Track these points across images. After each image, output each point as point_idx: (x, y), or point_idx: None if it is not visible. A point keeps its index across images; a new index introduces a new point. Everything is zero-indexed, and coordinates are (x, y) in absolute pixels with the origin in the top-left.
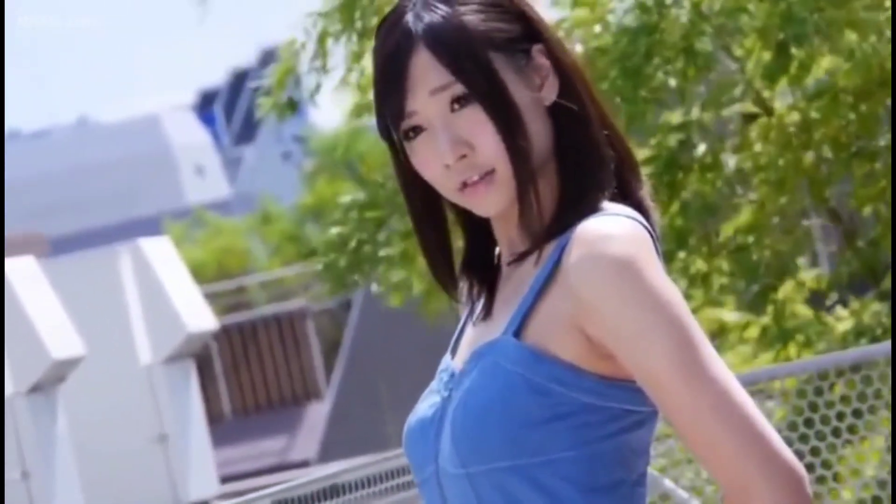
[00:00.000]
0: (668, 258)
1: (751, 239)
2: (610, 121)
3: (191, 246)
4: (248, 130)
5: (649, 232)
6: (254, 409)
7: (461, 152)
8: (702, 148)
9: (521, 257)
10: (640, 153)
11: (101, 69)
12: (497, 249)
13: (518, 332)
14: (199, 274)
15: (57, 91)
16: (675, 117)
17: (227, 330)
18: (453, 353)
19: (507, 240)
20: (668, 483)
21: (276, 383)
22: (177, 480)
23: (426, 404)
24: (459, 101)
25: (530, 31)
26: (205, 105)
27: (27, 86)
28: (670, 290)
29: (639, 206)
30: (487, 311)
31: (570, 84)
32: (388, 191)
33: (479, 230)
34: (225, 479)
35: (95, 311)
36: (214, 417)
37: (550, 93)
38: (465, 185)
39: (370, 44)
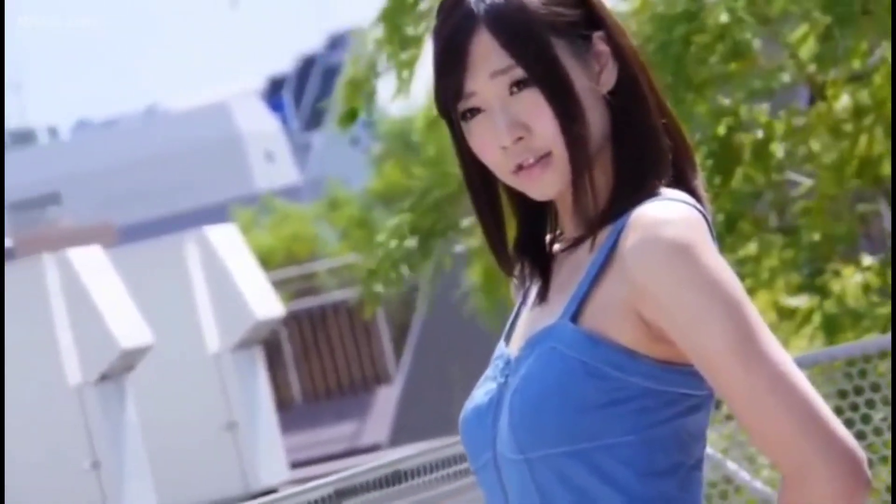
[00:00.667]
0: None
1: (804, 222)
2: (667, 109)
3: (259, 232)
4: (316, 116)
5: (704, 217)
6: (324, 394)
7: (518, 135)
8: (751, 134)
9: (575, 243)
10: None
11: (170, 57)
12: (549, 235)
13: (575, 318)
14: (268, 260)
15: (126, 80)
16: (724, 103)
17: (296, 316)
18: (507, 339)
19: (564, 225)
20: (730, 465)
21: (345, 368)
22: (246, 467)
23: (482, 391)
24: (518, 85)
25: (591, 17)
26: (273, 91)
27: (97, 75)
28: (726, 274)
29: (693, 194)
30: (542, 297)
31: (629, 71)
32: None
33: (532, 214)
34: (296, 465)
35: (163, 299)
36: (285, 403)
37: (609, 79)
38: (520, 167)
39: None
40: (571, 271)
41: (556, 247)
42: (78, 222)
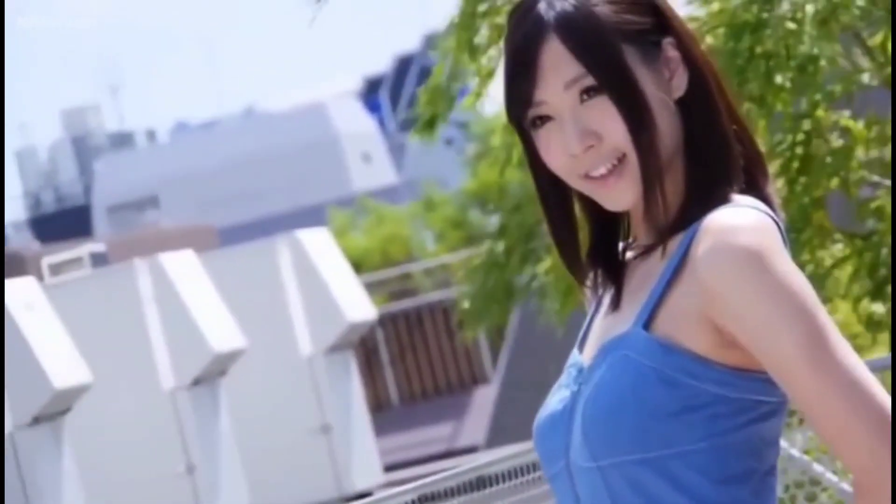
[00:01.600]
0: (793, 249)
1: (880, 226)
2: (738, 115)
3: (356, 234)
4: (413, 116)
5: (776, 224)
6: (421, 395)
7: (588, 143)
8: (830, 139)
9: (647, 250)
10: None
11: (269, 58)
12: (621, 243)
13: (647, 325)
14: (364, 262)
15: (225, 81)
16: (800, 110)
17: (392, 317)
18: (581, 347)
19: (637, 232)
20: (817, 467)
21: (442, 369)
22: (340, 471)
23: (556, 399)
24: (589, 92)
25: (661, 24)
26: (370, 92)
27: (195, 77)
28: (798, 280)
29: (766, 201)
30: (615, 305)
31: (700, 78)
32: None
33: (605, 222)
34: (394, 467)
35: (256, 303)
36: (382, 405)
37: (680, 86)
38: (588, 176)
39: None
40: (644, 279)
41: (629, 254)
42: (176, 225)
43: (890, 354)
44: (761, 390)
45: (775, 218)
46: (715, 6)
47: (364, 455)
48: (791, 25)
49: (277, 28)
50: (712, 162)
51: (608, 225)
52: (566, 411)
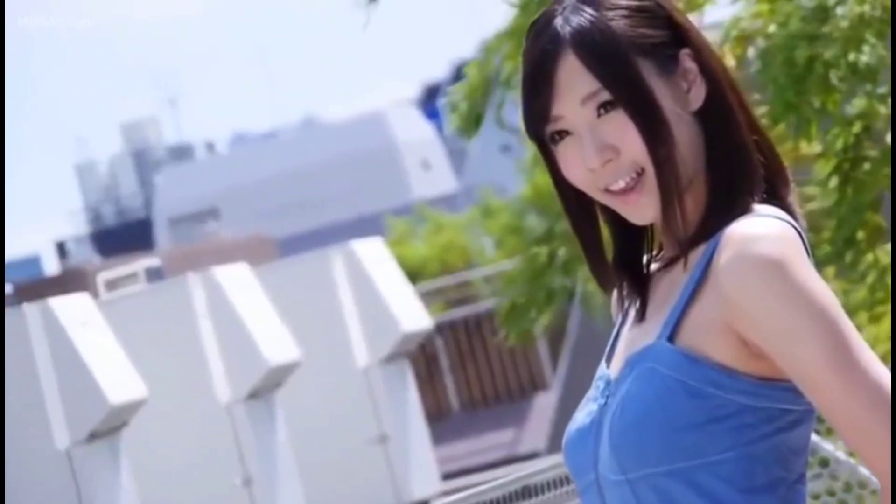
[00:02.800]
0: (840, 253)
1: None
2: (758, 126)
3: (414, 242)
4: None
5: (799, 233)
6: (481, 402)
7: (607, 157)
8: (882, 139)
9: (671, 262)
10: (816, 147)
11: (326, 67)
12: (646, 254)
13: (672, 337)
14: (424, 270)
15: (283, 91)
16: (857, 105)
17: (452, 325)
18: (608, 360)
19: (667, 242)
20: (863, 470)
21: (502, 376)
22: (398, 480)
23: (584, 412)
24: (606, 107)
25: (678, 36)
26: (428, 98)
27: (253, 88)
28: (821, 289)
29: (787, 210)
30: (641, 317)
31: (718, 89)
32: None
33: (629, 234)
34: (455, 475)
35: (310, 315)
36: (442, 413)
37: (698, 97)
38: (607, 190)
39: None
40: (668, 290)
41: (654, 266)
42: (236, 236)
43: None
44: (787, 399)
45: (797, 227)
46: (764, 7)
47: (421, 464)
48: (848, 32)
49: (334, 36)
50: (733, 172)
51: (633, 237)
52: (594, 425)
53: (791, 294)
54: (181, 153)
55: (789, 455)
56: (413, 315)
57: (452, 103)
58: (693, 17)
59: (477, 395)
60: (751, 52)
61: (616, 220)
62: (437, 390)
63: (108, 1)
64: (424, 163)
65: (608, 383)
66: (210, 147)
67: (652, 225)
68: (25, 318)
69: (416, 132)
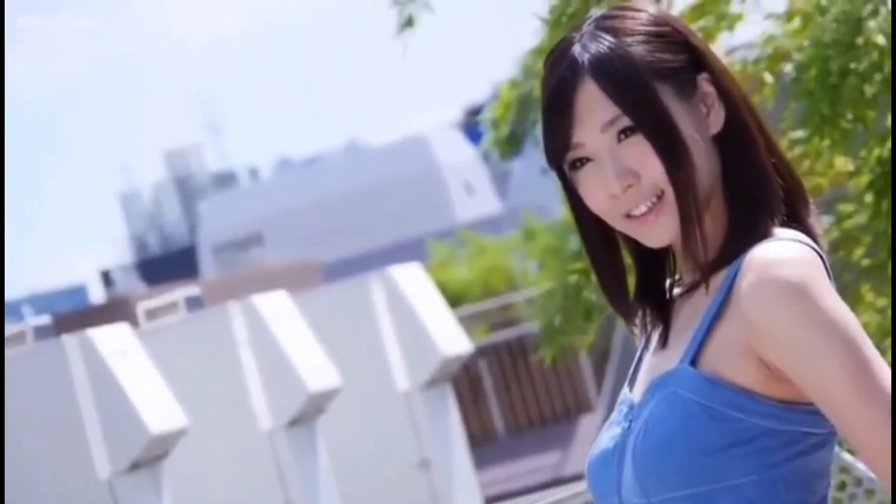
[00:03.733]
0: (878, 267)
1: None
2: (777, 149)
3: (457, 266)
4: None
5: (820, 256)
6: (526, 425)
7: (627, 182)
8: None
9: (692, 287)
10: (850, 164)
11: (369, 92)
12: (668, 280)
13: (694, 361)
14: (466, 293)
15: (326, 116)
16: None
17: (496, 348)
18: (631, 384)
19: (682, 269)
20: (861, 465)
21: (547, 399)
22: None
23: (607, 436)
24: (626, 132)
25: (696, 61)
26: (471, 121)
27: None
28: (842, 311)
29: (808, 233)
30: (664, 342)
31: (737, 113)
32: None
33: (650, 260)
34: (499, 498)
35: (350, 341)
36: (487, 436)
37: (717, 121)
38: (629, 215)
39: None
40: (690, 315)
41: (676, 291)
42: (280, 262)
43: None
44: (809, 422)
45: (818, 250)
46: (796, 23)
47: (464, 488)
48: (882, 42)
49: (377, 61)
50: (752, 196)
51: (654, 263)
52: (617, 449)
53: (812, 317)
54: (225, 180)
55: (811, 478)
56: (453, 339)
57: (487, 123)
58: (723, 37)
59: (522, 417)
60: (787, 67)
61: (637, 248)
62: (482, 413)
63: (153, 29)
64: (468, 185)
65: (631, 407)
66: (253, 173)
67: (673, 250)
68: (65, 349)
69: (458, 155)
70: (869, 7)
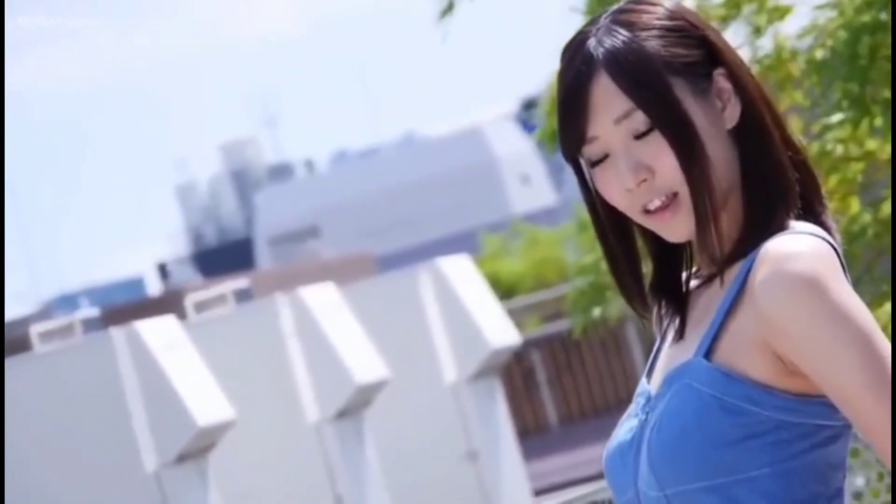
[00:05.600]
0: None
1: None
2: (793, 142)
3: (510, 258)
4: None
5: (835, 249)
6: (579, 416)
7: (641, 177)
8: None
9: (708, 279)
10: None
11: (426, 83)
12: (685, 273)
13: (709, 354)
14: (520, 285)
15: (383, 108)
16: None
17: (548, 339)
18: (649, 376)
19: (699, 261)
20: None
21: (599, 389)
22: (489, 497)
23: (624, 429)
24: (643, 131)
25: (712, 55)
26: (527, 112)
27: (353, 105)
28: (856, 306)
29: (822, 227)
30: (681, 334)
31: (753, 107)
32: None
33: (667, 253)
34: (549, 490)
35: (398, 333)
36: (540, 427)
37: (733, 116)
38: (646, 209)
39: None
40: (705, 308)
41: (693, 283)
42: (335, 254)
43: None
44: (824, 415)
45: (833, 244)
46: (830, 12)
47: (512, 480)
48: None
49: (434, 52)
50: (769, 190)
51: (670, 256)
52: (634, 441)
53: (826, 311)
54: (281, 172)
55: (827, 470)
56: (501, 331)
57: (539, 115)
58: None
59: (575, 408)
60: (820, 53)
61: (653, 240)
62: (535, 405)
63: (210, 24)
64: (524, 177)
65: (648, 399)
66: (310, 165)
67: (690, 242)
68: (112, 341)
69: (515, 147)
70: None
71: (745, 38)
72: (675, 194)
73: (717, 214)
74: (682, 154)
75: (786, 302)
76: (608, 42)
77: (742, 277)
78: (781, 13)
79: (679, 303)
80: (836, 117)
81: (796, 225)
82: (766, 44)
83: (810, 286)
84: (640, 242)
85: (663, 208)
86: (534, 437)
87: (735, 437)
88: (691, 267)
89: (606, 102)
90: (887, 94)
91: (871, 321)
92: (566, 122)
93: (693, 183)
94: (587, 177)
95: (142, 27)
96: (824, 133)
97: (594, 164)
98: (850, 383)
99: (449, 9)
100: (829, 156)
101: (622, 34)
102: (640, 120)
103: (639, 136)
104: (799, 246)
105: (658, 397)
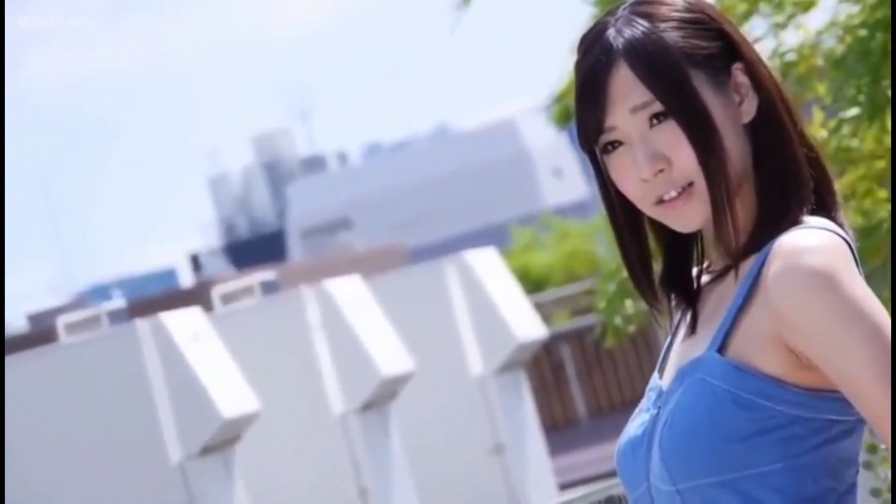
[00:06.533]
0: None
1: None
2: (808, 139)
3: (540, 251)
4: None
5: (848, 244)
6: (608, 410)
7: (658, 167)
8: None
9: (721, 273)
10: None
11: (458, 75)
12: (696, 268)
13: (722, 348)
14: (550, 278)
15: (415, 101)
16: None
17: (578, 333)
18: (661, 371)
19: (710, 256)
20: None
21: (628, 383)
22: (514, 491)
23: (636, 423)
24: (658, 117)
25: (730, 49)
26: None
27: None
28: (870, 300)
29: (835, 223)
30: (692, 329)
31: (770, 102)
32: None
33: (678, 247)
34: (576, 483)
35: (424, 326)
36: (570, 421)
37: (750, 110)
38: (661, 200)
39: None
40: (718, 302)
41: (704, 278)
42: (367, 247)
43: None
44: (836, 410)
45: (847, 238)
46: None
47: (538, 474)
48: None
49: (467, 45)
50: (783, 185)
51: (681, 251)
52: (646, 435)
53: (839, 305)
54: (313, 164)
55: (839, 466)
56: (528, 324)
57: (553, 108)
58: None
59: (604, 402)
60: (839, 49)
61: (664, 234)
62: (564, 398)
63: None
64: (556, 170)
65: (660, 394)
66: (342, 158)
67: (701, 238)
68: (137, 333)
69: (547, 139)
70: None
71: (767, 31)
72: (691, 184)
73: (734, 205)
74: (700, 144)
75: (798, 296)
76: (627, 32)
77: (756, 271)
78: (806, 6)
79: (690, 298)
80: (852, 112)
81: (810, 220)
82: (788, 38)
83: (824, 280)
84: (651, 236)
85: (677, 197)
86: (563, 431)
87: (748, 431)
88: (702, 262)
89: (625, 92)
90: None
91: (884, 315)
92: (584, 112)
93: (710, 173)
94: (602, 167)
95: (175, 20)
96: (839, 128)
97: (609, 153)
98: (861, 378)
99: (466, 1)
100: (848, 151)
101: (642, 25)
102: (657, 110)
103: (655, 126)
104: (812, 240)
105: (670, 392)
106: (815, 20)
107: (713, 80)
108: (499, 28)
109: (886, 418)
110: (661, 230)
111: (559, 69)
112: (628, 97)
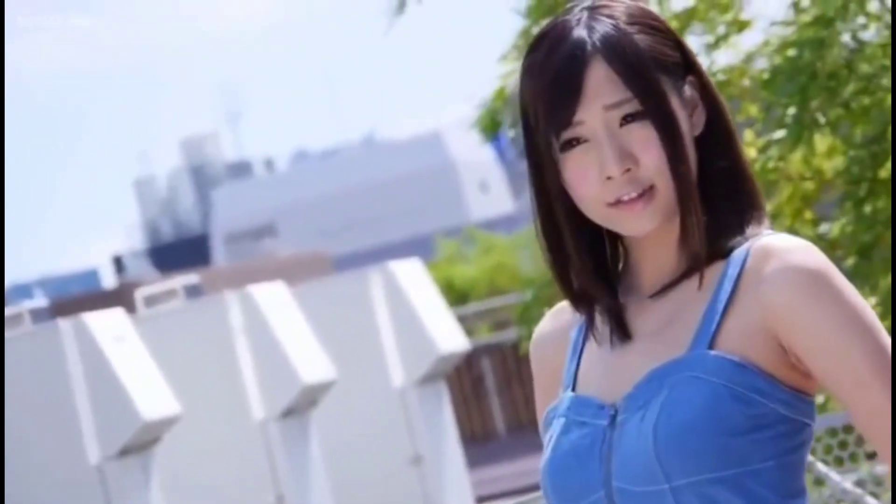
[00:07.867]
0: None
1: None
2: (743, 156)
3: (464, 264)
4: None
5: None
6: (527, 424)
7: (626, 166)
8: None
9: (681, 278)
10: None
11: (388, 85)
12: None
13: (710, 347)
14: (473, 291)
15: (345, 109)
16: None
17: (500, 346)
18: (573, 387)
19: (654, 266)
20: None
21: None
22: (433, 501)
23: (572, 437)
24: (629, 118)
25: (685, 61)
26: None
27: (315, 105)
28: (861, 300)
29: None
30: (625, 338)
31: (720, 116)
32: None
33: (599, 257)
34: (493, 497)
35: (347, 334)
36: (488, 434)
37: (698, 123)
38: (619, 201)
39: None
40: (678, 308)
41: (648, 289)
42: (291, 253)
43: None
44: (810, 415)
45: None
46: (784, 29)
47: (456, 486)
48: (852, 44)
49: (398, 55)
50: (737, 195)
51: (602, 259)
52: (597, 444)
53: (836, 304)
54: (240, 169)
55: (802, 468)
56: (450, 336)
57: (482, 107)
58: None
59: (524, 416)
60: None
61: (587, 244)
62: (484, 412)
63: (175, 18)
64: (482, 184)
65: (602, 407)
66: (269, 164)
67: (619, 250)
68: (59, 332)
69: (474, 153)
70: (838, 4)
71: (698, 50)
72: (652, 187)
73: (699, 211)
74: (670, 148)
75: (797, 293)
76: (600, 29)
77: (736, 273)
78: (740, 26)
79: (617, 306)
80: (779, 134)
81: (765, 230)
82: (720, 58)
83: (819, 278)
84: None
85: (636, 199)
86: (481, 444)
87: (745, 427)
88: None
89: (600, 89)
90: (830, 113)
91: (874, 315)
92: (552, 106)
93: (678, 177)
94: (547, 163)
95: (108, 22)
96: (767, 148)
97: (568, 150)
98: (860, 373)
99: (400, 8)
100: (774, 172)
101: (611, 23)
102: (631, 110)
103: (625, 126)
104: (797, 242)
105: (638, 397)
106: (749, 40)
107: (676, 88)
108: (430, 41)
109: (886, 412)
110: (586, 243)
111: (488, 82)
112: (603, 94)
